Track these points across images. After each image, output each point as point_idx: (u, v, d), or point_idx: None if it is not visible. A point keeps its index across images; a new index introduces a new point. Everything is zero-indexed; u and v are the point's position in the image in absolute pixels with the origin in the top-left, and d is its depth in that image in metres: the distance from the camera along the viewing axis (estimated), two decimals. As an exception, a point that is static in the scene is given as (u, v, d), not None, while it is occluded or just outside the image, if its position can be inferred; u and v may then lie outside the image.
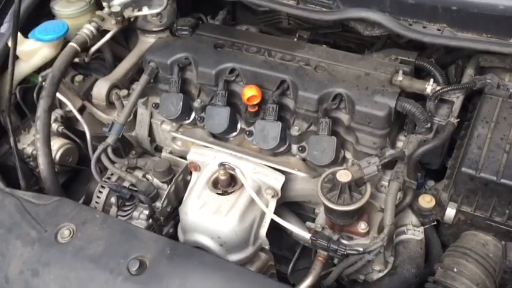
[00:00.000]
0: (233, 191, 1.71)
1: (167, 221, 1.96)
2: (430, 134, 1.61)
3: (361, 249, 1.57)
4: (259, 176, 1.72)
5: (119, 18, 2.12)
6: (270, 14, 2.40)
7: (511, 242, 1.50)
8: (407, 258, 1.53)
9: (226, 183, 1.71)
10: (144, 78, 1.88)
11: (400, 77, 1.64)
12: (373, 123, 1.59)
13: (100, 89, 2.08)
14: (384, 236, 1.48)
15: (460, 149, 1.58)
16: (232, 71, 1.79)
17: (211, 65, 1.80)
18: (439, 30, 1.59)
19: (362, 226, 1.61)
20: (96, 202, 1.93)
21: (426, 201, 1.59)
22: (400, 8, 1.62)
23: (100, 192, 1.93)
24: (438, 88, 1.59)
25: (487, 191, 1.46)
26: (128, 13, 2.16)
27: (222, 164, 1.70)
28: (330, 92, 1.65)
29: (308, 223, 1.74)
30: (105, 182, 1.84)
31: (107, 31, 2.13)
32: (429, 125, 1.58)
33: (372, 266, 1.64)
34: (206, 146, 1.84)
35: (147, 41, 2.25)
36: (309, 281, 1.62)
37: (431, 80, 1.63)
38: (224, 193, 1.71)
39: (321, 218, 1.69)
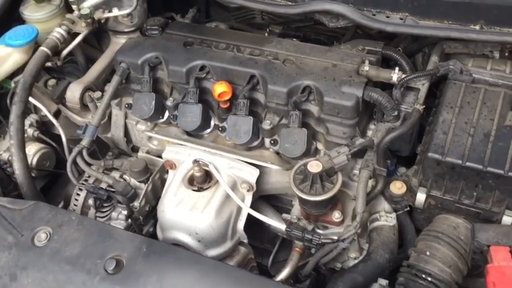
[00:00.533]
0: (208, 187, 1.73)
1: (146, 220, 1.97)
2: (398, 121, 1.64)
3: (335, 237, 1.61)
4: (234, 170, 1.74)
5: (88, 21, 2.12)
6: (243, 10, 2.43)
7: (480, 223, 1.54)
8: (381, 244, 1.56)
9: (202, 180, 1.73)
10: (115, 79, 1.89)
11: (366, 67, 1.66)
12: (342, 114, 1.62)
13: (73, 92, 2.08)
14: (357, 224, 1.51)
15: (428, 135, 1.61)
16: (202, 68, 1.81)
17: (181, 63, 1.82)
18: (401, 19, 1.62)
19: (336, 215, 1.63)
20: (75, 205, 1.94)
21: (397, 187, 1.62)
22: (364, -1, 1.64)
23: (78, 194, 1.94)
24: (403, 76, 1.61)
25: (454, 174, 1.50)
26: (98, 15, 2.17)
27: (196, 161, 1.72)
28: (299, 85, 1.68)
29: (284, 215, 1.77)
30: (83, 184, 1.85)
31: (78, 34, 2.15)
32: (396, 112, 1.61)
33: (347, 254, 1.67)
34: (181, 144, 1.86)
35: (118, 42, 2.26)
36: (286, 271, 1.66)
37: (397, 68, 1.66)
38: (200, 189, 1.73)
39: (296, 209, 1.72)
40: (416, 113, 1.58)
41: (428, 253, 1.55)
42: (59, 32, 2.01)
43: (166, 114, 1.91)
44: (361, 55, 1.73)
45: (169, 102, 1.85)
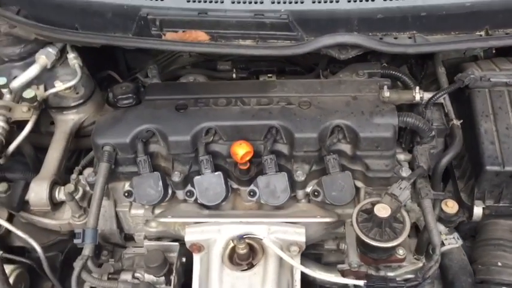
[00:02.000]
0: (257, 263, 1.52)
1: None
2: (433, 141, 1.60)
3: (408, 276, 1.52)
4: (277, 235, 1.56)
5: (35, 104, 1.76)
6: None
7: None
8: (459, 269, 1.51)
9: (247, 256, 1.52)
10: (103, 166, 1.57)
11: (387, 93, 1.60)
12: (382, 146, 1.53)
13: (38, 192, 1.70)
14: (438, 257, 1.43)
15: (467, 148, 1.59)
16: (208, 131, 1.59)
17: (183, 131, 1.58)
18: (410, 38, 1.58)
19: (400, 252, 1.54)
20: (86, 330, 1.59)
21: (450, 206, 1.57)
22: (369, 25, 1.57)
23: (87, 314, 1.59)
24: (432, 94, 1.58)
25: (511, 181, 1.50)
26: (39, 94, 1.81)
27: (241, 238, 1.50)
28: (327, 127, 1.55)
29: (339, 266, 1.63)
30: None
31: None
32: (433, 133, 1.57)
33: (420, 289, 1.59)
34: (198, 222, 1.61)
35: (67, 119, 1.92)
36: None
37: (417, 88, 1.62)
38: (249, 267, 1.51)
39: (353, 256, 1.59)
40: (458, 129, 1.55)
41: (500, 263, 1.54)
42: (-2, 125, 1.64)
43: (170, 192, 1.65)
44: (374, 81, 1.66)
45: (176, 178, 1.59)
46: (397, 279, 1.52)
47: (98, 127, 1.64)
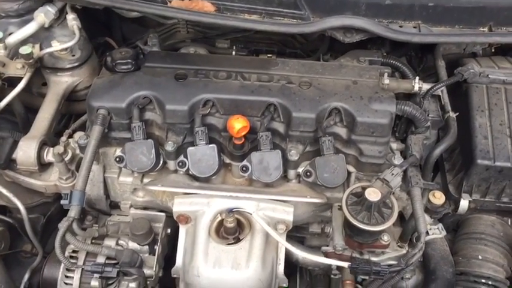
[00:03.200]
0: (244, 237, 1.52)
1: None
2: (427, 132, 1.61)
3: (392, 262, 1.54)
4: (266, 212, 1.56)
5: (31, 61, 1.73)
6: (164, 25, 2.21)
7: None
8: (441, 259, 1.53)
9: (234, 231, 1.52)
10: (97, 129, 1.55)
11: (386, 80, 1.60)
12: (377, 132, 1.54)
13: (26, 151, 1.67)
14: (422, 245, 1.45)
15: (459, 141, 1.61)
16: (205, 103, 1.58)
17: (181, 100, 1.56)
18: (415, 27, 1.59)
19: (385, 238, 1.56)
20: (67, 291, 1.57)
21: (437, 197, 1.58)
22: (376, 10, 1.58)
23: (67, 277, 1.58)
24: (431, 86, 1.59)
25: (499, 177, 1.52)
26: (35, 52, 1.77)
27: (231, 211, 1.49)
28: (325, 108, 1.55)
29: (324, 248, 1.63)
30: (88, 265, 1.50)
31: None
32: (429, 123, 1.58)
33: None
34: (187, 193, 1.61)
35: (60, 81, 1.89)
36: (348, 309, 1.54)
37: (417, 78, 1.62)
38: (235, 242, 1.51)
39: (338, 239, 1.60)
40: (453, 121, 1.57)
41: (480, 257, 1.57)
42: (-12, 80, 1.60)
43: (161, 161, 1.63)
44: (375, 68, 1.66)
45: (169, 147, 1.57)
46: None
47: (94, 89, 1.61)
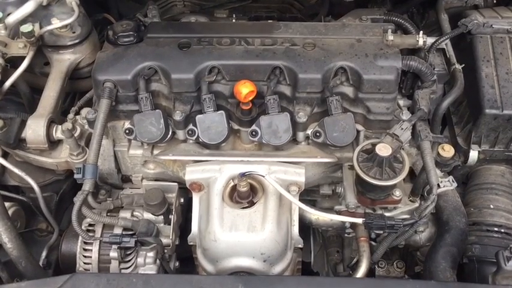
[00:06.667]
0: (257, 200, 1.54)
1: (170, 256, 1.71)
2: (434, 86, 1.61)
3: (405, 216, 1.56)
4: (277, 174, 1.57)
5: (32, 39, 1.72)
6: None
7: None
8: (453, 210, 1.55)
9: (247, 195, 1.53)
10: (104, 103, 1.55)
11: (390, 37, 1.60)
12: (384, 89, 1.54)
13: (35, 129, 1.68)
14: (434, 197, 1.46)
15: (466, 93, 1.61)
16: (211, 70, 1.57)
17: (186, 69, 1.56)
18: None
19: (397, 193, 1.57)
20: (86, 263, 1.59)
21: (446, 150, 1.60)
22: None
23: (86, 250, 1.60)
24: (435, 39, 1.59)
25: (508, 125, 1.53)
26: (36, 31, 1.76)
27: (243, 175, 1.51)
28: (331, 68, 1.55)
29: (336, 207, 1.65)
30: (106, 237, 1.53)
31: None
32: (435, 77, 1.58)
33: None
34: (198, 161, 1.62)
35: (63, 58, 1.89)
36: (364, 265, 1.57)
37: (421, 32, 1.62)
38: (249, 205, 1.53)
39: (350, 197, 1.61)
40: (459, 72, 1.57)
41: (492, 206, 1.59)
42: (-7, 61, 1.60)
43: (170, 131, 1.64)
44: (378, 25, 1.65)
45: (177, 117, 1.58)
46: (394, 219, 1.55)
47: (98, 63, 1.61)
